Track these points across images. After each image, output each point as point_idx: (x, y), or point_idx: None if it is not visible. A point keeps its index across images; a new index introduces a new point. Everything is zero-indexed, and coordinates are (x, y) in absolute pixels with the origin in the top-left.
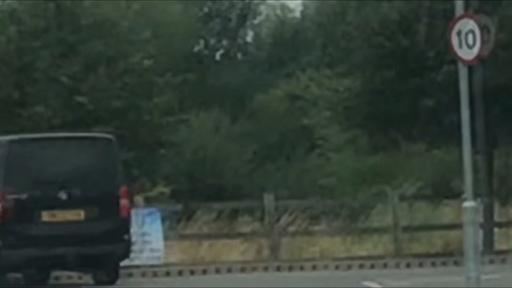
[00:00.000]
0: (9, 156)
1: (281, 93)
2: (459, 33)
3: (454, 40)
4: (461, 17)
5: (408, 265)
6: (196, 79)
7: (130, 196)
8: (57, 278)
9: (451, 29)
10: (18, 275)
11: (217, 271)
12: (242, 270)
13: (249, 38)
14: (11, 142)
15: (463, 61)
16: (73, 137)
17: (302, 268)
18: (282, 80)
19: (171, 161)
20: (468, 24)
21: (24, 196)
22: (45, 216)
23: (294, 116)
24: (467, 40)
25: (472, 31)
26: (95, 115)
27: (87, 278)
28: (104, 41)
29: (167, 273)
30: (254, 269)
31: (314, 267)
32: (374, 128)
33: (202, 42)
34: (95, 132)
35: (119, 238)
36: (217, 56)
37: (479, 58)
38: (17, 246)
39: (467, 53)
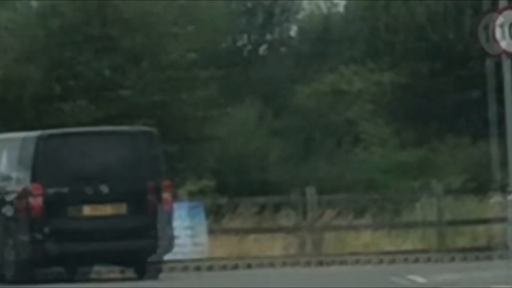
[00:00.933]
0: (51, 150)
1: (324, 87)
2: (486, 28)
3: (481, 35)
4: (488, 12)
5: (452, 259)
6: (240, 73)
7: (173, 190)
8: (99, 272)
9: (478, 23)
10: (61, 269)
11: (260, 265)
12: (285, 264)
13: (292, 33)
14: (53, 136)
15: (490, 56)
16: (114, 131)
17: (344, 262)
18: (325, 74)
19: (215, 155)
20: (496, 18)
21: (65, 189)
22: (87, 210)
23: (337, 110)
24: (495, 34)
25: (501, 26)
26: (138, 109)
27: (129, 272)
28: (147, 35)
29: (210, 267)
30: (296, 263)
31: (357, 261)
32: (417, 120)
33: (245, 36)
34: (138, 125)
35: (161, 232)
36: (261, 50)
37: (507, 52)
38: (59, 239)
39: (494, 47)
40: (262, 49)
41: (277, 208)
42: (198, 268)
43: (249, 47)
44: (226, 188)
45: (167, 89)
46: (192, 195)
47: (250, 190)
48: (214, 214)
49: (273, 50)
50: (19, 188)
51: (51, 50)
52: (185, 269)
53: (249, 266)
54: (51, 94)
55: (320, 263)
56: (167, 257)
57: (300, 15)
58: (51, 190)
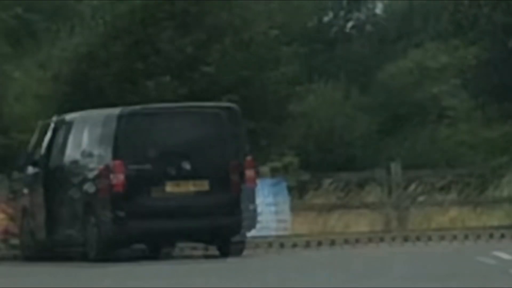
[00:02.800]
0: (132, 127)
1: (409, 63)
2: None
3: None
4: None
5: None
6: (325, 50)
7: (256, 167)
8: (182, 249)
9: None
10: (143, 247)
11: (345, 242)
12: (369, 241)
13: (378, 10)
14: (135, 112)
15: None
16: (196, 107)
17: (430, 239)
18: (410, 50)
19: (299, 131)
20: None
21: (148, 166)
22: (169, 187)
23: (422, 86)
24: None
25: None
26: (221, 85)
27: (213, 250)
28: (229, 11)
29: (294, 245)
30: (381, 240)
31: (442, 238)
32: (502, 96)
33: (331, 13)
34: (221, 102)
35: (244, 209)
36: (347, 27)
37: None
38: (142, 217)
39: None
40: (348, 27)
41: (361, 184)
42: (282, 245)
43: (335, 25)
44: (310, 164)
45: (250, 66)
46: (275, 172)
47: (334, 167)
48: (298, 190)
49: (359, 28)
50: (100, 165)
51: (134, 27)
52: (269, 246)
53: (332, 243)
54: (134, 71)
55: (405, 240)
56: (250, 234)
57: None
58: (133, 168)
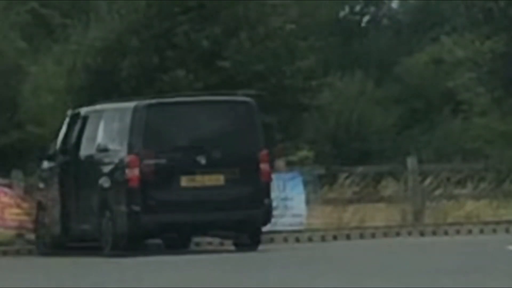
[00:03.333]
0: (147, 120)
1: (425, 57)
2: None
3: None
4: None
5: None
6: (341, 43)
7: (271, 160)
8: (197, 244)
9: None
10: (159, 241)
11: (361, 236)
12: (385, 235)
13: (394, 5)
14: (150, 106)
15: None
16: (212, 101)
17: (446, 233)
18: (426, 44)
19: (315, 125)
20: None
21: (163, 160)
22: (184, 181)
23: (438, 79)
24: None
25: None
26: (237, 79)
27: (228, 244)
28: (245, 5)
29: (310, 239)
30: (397, 234)
31: (458, 232)
32: None
33: (347, 8)
34: (237, 96)
35: (259, 203)
36: (363, 22)
37: None
38: (157, 211)
39: None
40: (365, 21)
41: (377, 178)
42: (297, 240)
43: (351, 18)
44: (325, 158)
45: (266, 60)
46: (291, 165)
47: (350, 160)
48: (313, 184)
49: (375, 22)
50: (116, 159)
51: (150, 22)
52: (284, 240)
53: (348, 237)
54: (150, 65)
55: (422, 234)
56: (265, 228)
57: None
58: (149, 162)
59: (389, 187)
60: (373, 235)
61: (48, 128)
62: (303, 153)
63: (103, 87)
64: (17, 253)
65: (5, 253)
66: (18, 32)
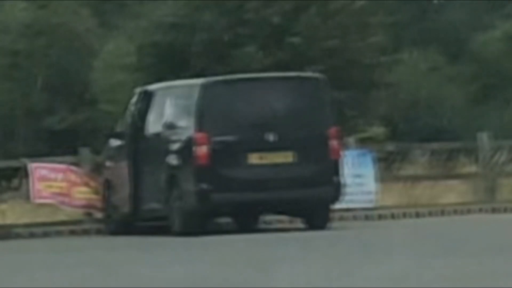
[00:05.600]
0: (215, 97)
1: (499, 33)
2: None
3: None
4: None
5: None
6: (414, 19)
7: (341, 137)
8: (267, 222)
9: None
10: (228, 220)
11: (430, 214)
12: (456, 212)
13: None
14: (217, 82)
15: None
16: (281, 77)
17: None
18: (501, 21)
19: (386, 102)
20: None
21: (231, 138)
22: (253, 158)
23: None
24: None
25: None
26: (307, 56)
27: (298, 222)
28: None
29: (380, 216)
30: (468, 211)
31: None
32: None
33: None
34: (307, 72)
35: (329, 181)
36: None
37: None
38: (226, 190)
39: None
40: None
41: (449, 155)
42: (367, 217)
43: None
44: (396, 135)
45: (336, 35)
46: (361, 142)
47: (422, 137)
48: (384, 161)
49: None
50: (184, 136)
51: None
52: (354, 218)
53: (417, 214)
54: (220, 42)
55: (493, 211)
56: (336, 206)
57: None
58: (217, 139)
59: (461, 164)
60: (442, 213)
61: (119, 106)
62: (375, 129)
63: (173, 64)
64: (85, 232)
65: (72, 232)
66: (90, 9)
